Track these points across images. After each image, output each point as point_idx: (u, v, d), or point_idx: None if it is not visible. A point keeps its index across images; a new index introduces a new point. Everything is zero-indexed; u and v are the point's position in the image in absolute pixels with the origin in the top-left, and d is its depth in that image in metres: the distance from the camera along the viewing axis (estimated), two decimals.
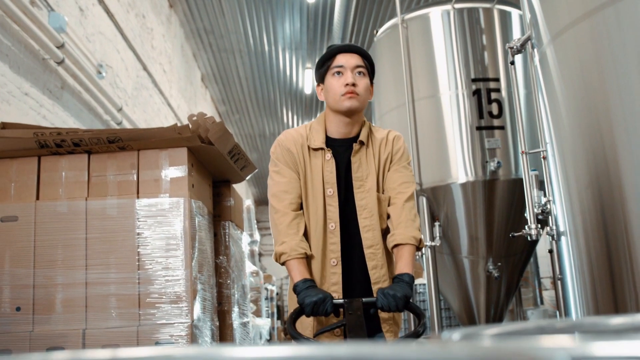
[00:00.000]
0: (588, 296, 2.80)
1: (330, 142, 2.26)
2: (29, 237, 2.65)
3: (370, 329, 2.08)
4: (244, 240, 4.19)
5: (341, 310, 2.02)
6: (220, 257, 3.44)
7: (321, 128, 2.27)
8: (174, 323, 2.59)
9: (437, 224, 5.77)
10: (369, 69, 2.26)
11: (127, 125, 5.56)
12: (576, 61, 2.91)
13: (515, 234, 3.59)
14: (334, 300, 2.00)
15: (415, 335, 1.97)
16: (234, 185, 3.61)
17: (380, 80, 6.65)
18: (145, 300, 2.62)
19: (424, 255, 5.67)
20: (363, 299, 2.01)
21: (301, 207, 2.23)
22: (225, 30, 9.50)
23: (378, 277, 2.22)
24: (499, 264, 5.82)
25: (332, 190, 2.21)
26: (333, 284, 2.19)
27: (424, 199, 5.71)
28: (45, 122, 4.05)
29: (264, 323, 6.06)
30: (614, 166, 2.67)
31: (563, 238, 2.91)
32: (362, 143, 2.23)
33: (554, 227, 2.98)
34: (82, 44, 4.63)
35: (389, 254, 2.25)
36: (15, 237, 2.65)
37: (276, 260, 2.19)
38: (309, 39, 9.82)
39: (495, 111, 5.85)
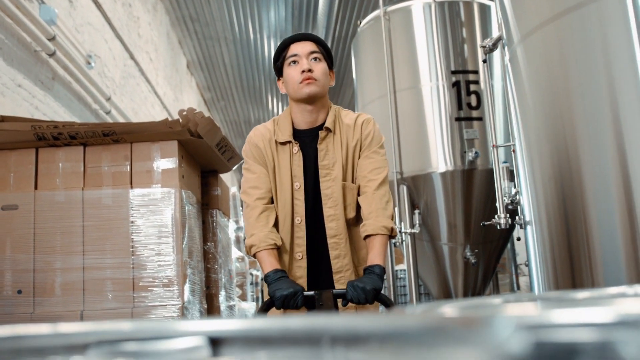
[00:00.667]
0: (550, 280, 3.04)
1: (297, 134, 2.25)
2: (29, 225, 2.83)
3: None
4: (230, 227, 4.39)
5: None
6: (208, 244, 3.64)
7: (287, 121, 2.26)
8: (166, 305, 2.80)
9: (416, 211, 6.00)
10: (325, 54, 2.24)
11: (115, 113, 5.72)
12: (543, 62, 3.12)
13: (486, 223, 3.83)
14: (305, 293, 2.00)
15: None
16: (221, 175, 3.80)
17: (363, 70, 6.84)
18: (138, 284, 2.82)
19: (404, 242, 5.89)
20: (333, 291, 2.03)
21: (272, 201, 2.22)
22: (211, 18, 9.62)
23: (340, 266, 2.23)
24: (476, 250, 6.07)
25: (299, 184, 2.21)
26: (298, 278, 2.22)
27: (404, 188, 5.94)
28: (37, 113, 4.20)
29: (249, 307, 6.28)
30: (575, 161, 2.89)
31: (529, 227, 3.15)
32: (328, 130, 2.21)
33: (522, 217, 3.22)
34: (72, 35, 4.77)
35: (353, 244, 2.25)
36: (15, 224, 2.83)
37: (247, 253, 2.19)
38: (294, 28, 9.97)
39: (474, 103, 6.07)
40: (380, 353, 0.46)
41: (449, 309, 0.65)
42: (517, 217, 3.41)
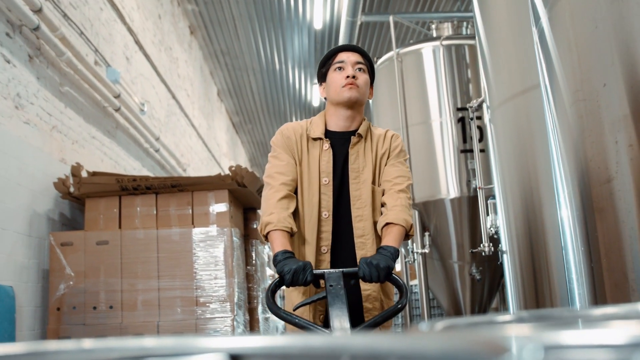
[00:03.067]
0: (520, 300, 3.92)
1: (329, 134, 2.32)
2: (117, 256, 3.78)
3: (353, 302, 2.15)
4: (265, 251, 5.33)
5: (322, 282, 2.03)
6: (249, 267, 4.57)
7: (321, 121, 2.34)
8: (220, 317, 3.73)
9: (427, 234, 6.86)
10: (369, 68, 2.34)
11: (162, 150, 6.70)
12: (514, 125, 4.00)
13: (474, 250, 4.68)
14: (315, 271, 2.00)
15: (395, 312, 2.01)
16: (258, 210, 4.74)
17: (379, 106, 7.73)
18: (200, 301, 3.76)
19: (415, 261, 6.74)
20: (344, 269, 2.02)
21: (295, 192, 2.27)
22: (240, 51, 10.62)
23: None
24: (481, 268, 6.90)
25: (327, 180, 2.26)
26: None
27: (416, 212, 6.80)
28: (105, 158, 5.18)
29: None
30: (538, 203, 3.77)
31: (504, 255, 4.01)
32: (360, 136, 2.29)
33: (500, 246, 4.09)
34: (129, 88, 5.75)
35: (378, 244, 2.26)
36: (106, 256, 3.79)
37: (260, 232, 2.18)
38: (316, 59, 10.91)
39: (477, 136, 6.92)
40: None
41: (467, 329, 0.67)
42: (499, 246, 4.28)
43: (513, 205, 3.98)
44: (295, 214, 2.24)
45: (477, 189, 4.57)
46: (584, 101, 2.12)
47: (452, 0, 9.72)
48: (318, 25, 9.72)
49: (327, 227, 2.24)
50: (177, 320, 3.71)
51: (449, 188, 6.87)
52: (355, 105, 2.29)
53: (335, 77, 2.28)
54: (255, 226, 4.68)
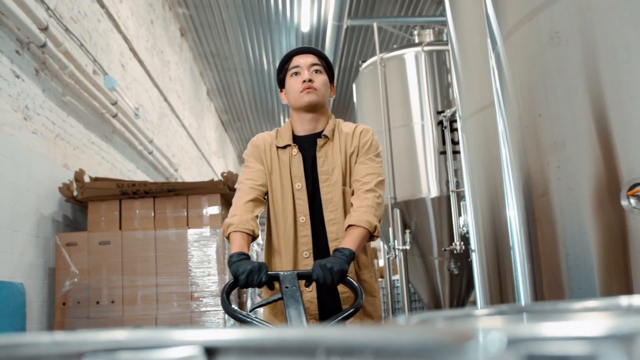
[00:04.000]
0: (487, 296, 4.32)
1: (296, 139, 2.32)
2: (118, 255, 4.15)
3: (332, 306, 2.18)
4: (254, 248, 5.72)
5: (276, 283, 2.02)
6: None
7: (288, 129, 2.35)
8: (214, 310, 4.11)
9: (407, 231, 7.27)
10: (326, 67, 2.34)
11: (155, 151, 7.04)
12: (482, 136, 4.39)
13: (447, 249, 5.08)
14: (269, 272, 1.99)
15: (351, 314, 1.99)
16: None
17: (363, 108, 8.11)
18: (194, 296, 4.13)
19: (396, 257, 7.14)
20: (298, 272, 2.02)
21: (265, 198, 2.28)
22: (230, 52, 10.96)
23: None
24: (459, 264, 7.31)
25: (300, 184, 2.26)
26: None
27: (398, 211, 7.20)
28: (103, 161, 5.52)
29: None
30: (503, 206, 4.17)
31: (473, 254, 4.42)
32: (325, 137, 2.29)
33: (470, 245, 4.49)
34: (125, 94, 6.08)
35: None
36: (108, 255, 4.16)
37: (223, 233, 2.20)
38: None
39: (456, 139, 7.32)
40: None
41: (442, 322, 0.69)
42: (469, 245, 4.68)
43: (481, 208, 4.38)
44: (271, 223, 2.28)
45: (450, 192, 4.96)
46: (525, 127, 2.51)
47: (435, 4, 10.10)
48: (305, 28, 10.08)
49: (306, 232, 2.24)
50: (174, 313, 4.09)
51: (430, 188, 7.27)
52: (316, 108, 2.30)
53: (293, 83, 2.29)
54: None
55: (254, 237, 2.15)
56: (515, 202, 2.76)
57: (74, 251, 4.16)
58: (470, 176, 4.52)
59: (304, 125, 2.33)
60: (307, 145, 2.31)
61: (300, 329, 0.50)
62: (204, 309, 4.12)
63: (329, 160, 2.28)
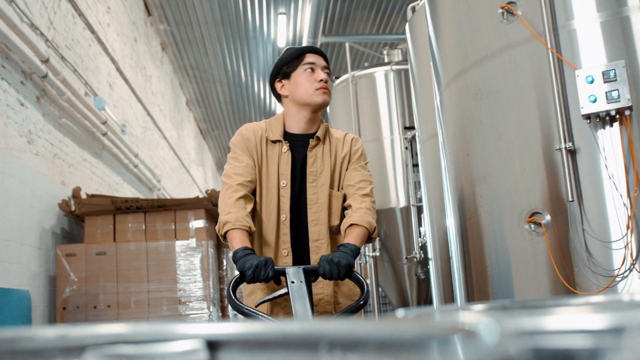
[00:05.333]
0: (441, 295, 4.95)
1: (288, 136, 2.32)
2: (113, 264, 4.70)
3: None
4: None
5: (283, 278, 2.04)
6: (221, 271, 5.52)
7: (279, 123, 2.34)
8: (199, 313, 4.67)
9: (377, 239, 7.87)
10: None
11: (140, 164, 7.57)
12: (438, 159, 5.02)
13: (408, 257, 5.71)
14: (276, 267, 2.01)
15: (357, 308, 2.04)
16: None
17: (336, 121, 8.72)
18: (182, 300, 4.70)
19: (367, 263, 7.75)
20: (304, 267, 2.03)
21: (253, 194, 2.28)
22: (208, 65, 11.51)
23: None
24: (425, 269, 7.94)
25: (285, 182, 2.27)
26: None
27: None
28: (94, 176, 6.05)
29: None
30: (473, 210, 4.77)
31: (431, 262, 5.04)
32: (318, 139, 2.30)
33: (428, 254, 5.11)
34: (112, 112, 6.60)
35: (333, 250, 2.29)
36: (104, 264, 4.70)
37: (218, 231, 2.20)
38: None
39: (411, 162, 7.91)
40: (377, 358, 0.47)
41: (441, 317, 0.71)
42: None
43: (436, 222, 5.01)
44: (255, 217, 2.27)
45: (411, 206, 5.59)
46: (458, 163, 3.13)
47: (405, 22, 10.75)
48: (282, 43, 10.68)
49: (286, 230, 2.25)
50: (164, 316, 4.65)
51: (399, 198, 7.88)
52: (321, 110, 2.33)
53: (306, 79, 2.28)
54: None
55: (250, 234, 2.16)
56: (453, 222, 3.38)
57: (73, 261, 4.69)
58: (428, 193, 5.15)
59: (300, 123, 2.33)
60: (299, 145, 2.32)
61: (302, 323, 0.51)
62: (190, 312, 4.69)
63: (318, 162, 2.30)
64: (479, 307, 0.85)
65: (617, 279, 2.27)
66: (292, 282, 1.97)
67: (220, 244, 5.56)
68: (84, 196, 5.09)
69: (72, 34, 5.71)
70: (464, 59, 3.03)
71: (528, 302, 0.93)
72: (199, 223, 4.87)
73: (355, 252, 2.10)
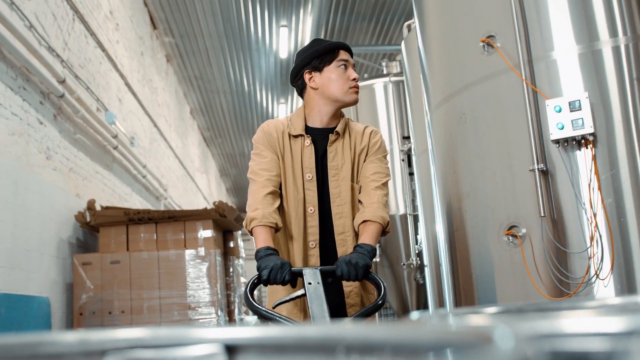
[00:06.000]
0: (435, 299, 5.25)
1: (309, 130, 2.34)
2: (126, 272, 5.02)
3: (335, 300, 2.16)
4: (239, 263, 6.59)
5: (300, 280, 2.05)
6: (227, 278, 5.84)
7: (300, 118, 2.35)
8: (208, 318, 4.99)
9: (377, 245, 8.18)
10: None
11: (148, 175, 7.90)
12: (428, 171, 5.31)
13: (405, 263, 6.02)
14: (292, 269, 2.02)
15: (375, 308, 2.05)
16: (234, 232, 5.99)
17: None
18: (191, 306, 5.02)
19: None
20: (321, 268, 2.04)
21: (280, 188, 2.30)
22: (212, 76, 11.86)
23: None
24: (424, 274, 8.24)
25: (310, 175, 2.29)
26: (313, 265, 2.26)
27: None
28: (106, 188, 6.37)
29: (252, 319, 8.46)
30: (460, 223, 5.08)
31: (426, 268, 5.35)
32: (337, 134, 2.32)
33: (423, 261, 5.42)
34: (122, 126, 6.93)
35: (357, 241, 2.27)
36: (118, 272, 5.02)
37: (246, 227, 2.24)
38: (282, 82, 12.22)
39: (407, 174, 8.21)
40: None
41: (459, 320, 0.70)
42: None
43: (431, 230, 5.32)
44: (281, 211, 2.29)
45: (408, 215, 5.90)
46: (446, 179, 3.44)
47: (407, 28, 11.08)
48: (284, 54, 11.01)
49: (314, 222, 2.27)
50: (175, 321, 4.96)
51: (398, 206, 8.18)
52: (349, 107, 2.42)
53: (340, 75, 2.31)
54: (232, 245, 5.94)
55: (277, 230, 2.21)
56: (442, 233, 3.69)
57: (89, 269, 5.01)
58: (423, 203, 5.46)
59: (323, 118, 2.35)
60: (319, 139, 2.35)
61: (319, 327, 0.51)
62: (199, 317, 5.01)
63: (338, 156, 2.33)
64: (493, 309, 0.86)
65: (582, 286, 2.58)
66: (310, 284, 1.99)
67: (227, 252, 5.88)
68: (98, 208, 5.42)
69: (85, 53, 6.04)
70: (450, 85, 3.35)
71: (543, 304, 0.95)
72: (207, 233, 5.19)
73: (372, 252, 2.12)
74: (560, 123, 2.65)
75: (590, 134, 2.61)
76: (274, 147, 2.33)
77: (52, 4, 5.20)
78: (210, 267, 5.12)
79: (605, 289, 2.59)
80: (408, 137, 8.17)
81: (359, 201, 2.31)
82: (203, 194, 14.16)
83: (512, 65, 2.91)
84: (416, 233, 5.93)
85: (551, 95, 2.79)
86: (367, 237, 2.16)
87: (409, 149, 5.81)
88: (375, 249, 2.13)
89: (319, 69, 2.34)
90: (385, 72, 9.10)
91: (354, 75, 2.34)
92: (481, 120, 3.08)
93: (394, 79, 8.54)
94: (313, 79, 2.35)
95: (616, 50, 2.84)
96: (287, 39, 10.52)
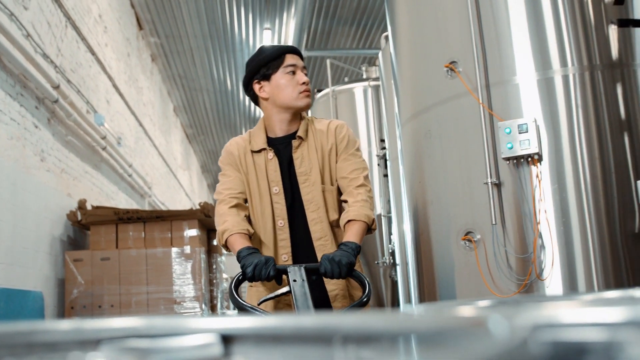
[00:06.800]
0: (406, 296, 5.64)
1: (271, 142, 2.32)
2: (116, 269, 5.35)
3: (320, 298, 2.16)
4: (222, 260, 6.94)
5: (284, 277, 2.05)
6: (211, 274, 6.19)
7: (261, 131, 2.33)
8: (192, 312, 5.34)
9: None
10: None
11: (134, 174, 8.20)
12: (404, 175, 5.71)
13: (378, 262, 6.43)
14: (277, 266, 2.02)
15: (361, 305, 2.07)
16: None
17: None
18: (177, 300, 5.36)
19: None
20: (305, 265, 2.04)
21: (244, 202, 2.30)
22: (196, 75, 12.16)
23: None
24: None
25: (277, 189, 2.27)
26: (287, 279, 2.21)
27: None
28: (94, 187, 6.68)
29: (234, 313, 8.85)
30: (418, 232, 5.49)
31: (398, 267, 5.75)
32: (300, 138, 2.29)
33: (395, 260, 5.82)
34: (110, 127, 7.23)
35: (337, 245, 2.27)
36: (108, 268, 5.35)
37: (219, 242, 2.22)
38: None
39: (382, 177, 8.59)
40: (391, 352, 0.47)
41: (459, 310, 0.68)
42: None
43: (402, 231, 5.70)
44: (254, 228, 2.28)
45: (382, 216, 6.30)
46: (414, 188, 3.83)
47: (385, 38, 11.47)
48: None
49: (284, 235, 2.26)
50: (161, 314, 5.30)
51: (375, 206, 8.58)
52: (304, 111, 2.35)
53: (289, 82, 2.26)
54: (215, 243, 6.28)
55: (250, 237, 2.21)
56: (410, 235, 4.08)
57: (80, 266, 5.33)
58: (395, 206, 5.86)
59: (282, 126, 2.31)
60: (282, 147, 2.32)
61: (316, 317, 0.50)
62: (184, 310, 5.36)
63: (305, 161, 2.29)
64: (488, 302, 0.85)
65: (526, 286, 2.99)
66: (294, 281, 2.00)
67: (210, 249, 6.22)
68: (89, 207, 5.73)
69: (76, 58, 6.34)
70: (418, 103, 3.73)
71: (541, 297, 1.02)
72: (192, 232, 5.54)
73: (357, 250, 2.12)
74: (509, 143, 3.05)
75: (536, 154, 3.00)
76: (236, 165, 2.33)
77: (47, 12, 5.50)
78: (195, 264, 5.46)
79: (547, 289, 2.99)
80: (384, 140, 8.53)
81: (344, 201, 2.29)
82: (185, 190, 14.45)
83: (471, 89, 3.29)
84: (390, 233, 6.33)
85: (506, 117, 3.18)
86: (352, 235, 2.16)
87: (384, 155, 6.20)
88: (360, 247, 2.14)
89: (267, 78, 2.30)
90: (364, 76, 9.48)
91: (303, 79, 2.29)
92: (445, 137, 3.46)
93: (373, 83, 8.91)
94: (263, 89, 2.32)
95: (565, 78, 3.24)
96: (270, 41, 10.85)
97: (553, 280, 3.05)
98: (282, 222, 2.27)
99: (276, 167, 2.29)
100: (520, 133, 3.04)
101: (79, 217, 5.56)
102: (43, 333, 0.53)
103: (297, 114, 2.35)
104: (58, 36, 5.78)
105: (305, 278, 1.99)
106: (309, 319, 0.50)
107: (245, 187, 2.31)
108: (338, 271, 2.00)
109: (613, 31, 3.32)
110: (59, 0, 5.78)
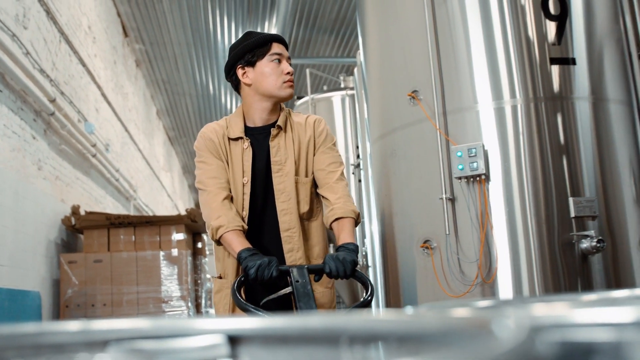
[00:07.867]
0: (381, 301, 6.14)
1: (249, 131, 2.30)
2: (108, 270, 5.80)
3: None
4: (206, 261, 7.40)
5: (288, 278, 2.03)
6: (196, 275, 6.65)
7: (239, 119, 2.30)
8: (179, 310, 5.81)
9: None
10: None
11: (120, 178, 8.62)
12: (376, 185, 6.22)
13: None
14: (280, 267, 2.00)
15: (365, 304, 2.07)
16: (203, 234, 6.80)
17: None
18: (165, 299, 5.83)
19: None
20: (308, 265, 2.03)
21: (230, 192, 2.26)
22: (179, 79, 12.60)
23: (294, 260, 2.25)
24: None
25: (246, 179, 2.25)
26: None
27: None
28: (84, 192, 7.10)
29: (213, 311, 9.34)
30: (390, 235, 5.99)
31: (369, 269, 6.26)
32: (279, 127, 2.26)
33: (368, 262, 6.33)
34: (99, 134, 7.64)
35: (306, 239, 2.27)
36: (101, 270, 5.80)
37: (212, 237, 2.18)
38: None
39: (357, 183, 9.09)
40: (398, 352, 0.47)
41: (467, 310, 0.71)
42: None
43: (375, 235, 6.20)
44: None
45: None
46: (382, 200, 4.34)
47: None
48: None
49: (245, 227, 2.22)
50: (150, 312, 5.77)
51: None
52: (285, 101, 2.33)
53: (274, 70, 2.25)
54: (199, 246, 6.75)
55: (244, 232, 2.19)
56: (378, 242, 4.59)
57: (74, 267, 5.77)
58: (368, 209, 6.36)
59: (262, 114, 2.30)
60: (261, 137, 2.30)
61: (322, 318, 0.50)
62: (171, 309, 5.82)
63: (281, 151, 2.28)
64: (491, 302, 0.89)
65: (473, 287, 3.51)
66: (297, 281, 2.00)
67: (196, 252, 6.69)
68: (82, 213, 6.17)
69: (69, 70, 6.75)
70: (385, 125, 4.24)
71: (546, 297, 1.00)
72: (179, 236, 6.00)
73: (356, 249, 2.14)
74: (461, 164, 3.57)
75: (483, 174, 3.52)
76: (217, 152, 2.29)
77: (44, 30, 5.92)
78: (181, 266, 5.93)
79: (490, 290, 3.51)
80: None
81: (324, 197, 2.29)
82: (167, 191, 14.85)
83: (430, 116, 3.81)
84: (363, 237, 6.85)
85: (461, 141, 3.70)
86: (347, 235, 2.18)
87: (359, 164, 6.71)
88: (358, 246, 2.21)
89: (252, 64, 2.29)
90: (342, 85, 9.97)
91: (288, 69, 2.29)
92: (408, 157, 3.96)
93: (350, 92, 9.40)
94: (246, 75, 2.30)
95: (514, 108, 3.77)
96: None
97: (500, 282, 3.57)
98: (245, 212, 2.27)
99: (249, 158, 2.29)
100: (469, 156, 3.55)
101: (73, 222, 5.99)
102: (50, 334, 0.54)
103: (278, 104, 2.35)
104: (53, 51, 6.20)
105: (307, 279, 2.02)
106: (315, 320, 0.51)
107: (228, 175, 2.30)
108: (343, 269, 2.02)
109: (555, 68, 3.85)
110: (54, 17, 6.20)
